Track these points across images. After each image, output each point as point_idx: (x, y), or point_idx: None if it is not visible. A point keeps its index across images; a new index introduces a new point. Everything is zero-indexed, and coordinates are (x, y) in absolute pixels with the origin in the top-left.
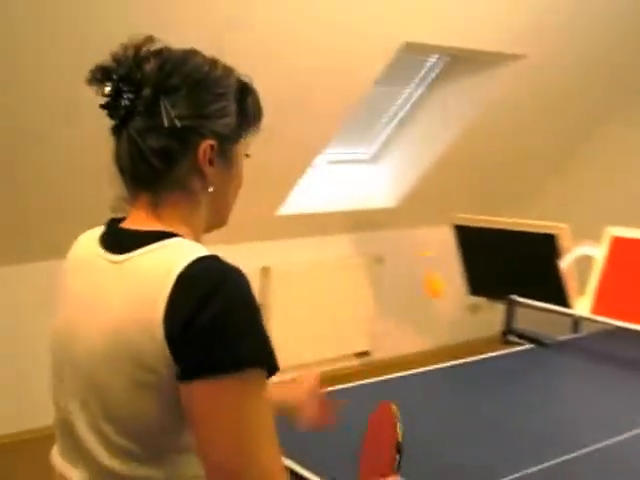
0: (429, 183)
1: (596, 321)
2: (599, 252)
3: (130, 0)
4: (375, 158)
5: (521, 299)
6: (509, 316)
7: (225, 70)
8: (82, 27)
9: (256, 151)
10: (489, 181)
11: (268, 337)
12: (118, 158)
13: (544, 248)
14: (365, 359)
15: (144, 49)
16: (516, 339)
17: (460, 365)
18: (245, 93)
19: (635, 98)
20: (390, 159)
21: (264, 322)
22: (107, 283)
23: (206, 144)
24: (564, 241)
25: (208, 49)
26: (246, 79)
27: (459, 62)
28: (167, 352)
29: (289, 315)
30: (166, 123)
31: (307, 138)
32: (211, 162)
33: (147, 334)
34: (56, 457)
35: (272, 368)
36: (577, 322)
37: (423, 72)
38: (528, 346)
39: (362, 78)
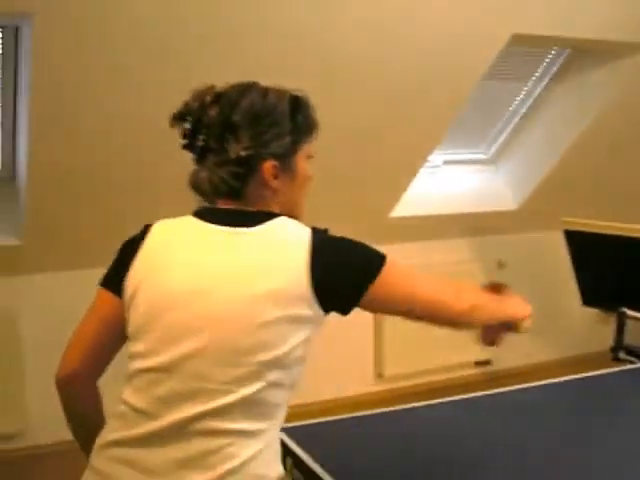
0: (553, 184)
1: None
2: None
3: None
4: (495, 158)
5: (633, 313)
6: (619, 331)
7: (276, 97)
8: None
9: (367, 153)
10: (618, 183)
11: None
12: (196, 183)
13: None
14: (485, 368)
15: (207, 97)
16: (627, 356)
17: (563, 383)
18: (297, 110)
19: None
20: (511, 159)
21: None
22: (239, 248)
23: (268, 165)
24: None
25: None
26: (298, 94)
27: (581, 55)
28: (310, 295)
29: (405, 321)
30: (232, 155)
31: (417, 138)
32: (276, 177)
33: (295, 282)
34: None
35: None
36: None
37: (543, 66)
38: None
39: (470, 73)
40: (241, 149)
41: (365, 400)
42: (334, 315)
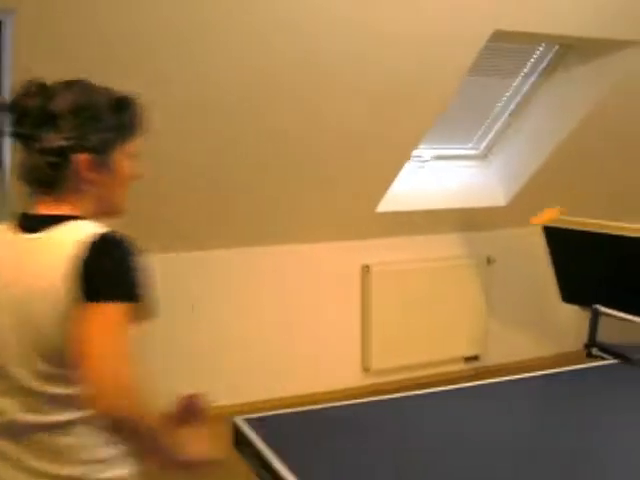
0: (542, 180)
1: None
2: None
3: None
4: (485, 154)
5: (605, 309)
6: (592, 328)
7: (102, 94)
8: None
9: (352, 149)
10: (606, 179)
11: (141, 284)
12: (21, 172)
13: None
14: (474, 364)
15: (32, 88)
16: (600, 353)
17: (537, 377)
18: (122, 108)
19: None
20: (500, 155)
21: (141, 274)
22: (27, 252)
23: (84, 157)
24: None
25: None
26: (126, 95)
27: (570, 51)
28: (75, 291)
29: (392, 315)
30: (51, 145)
31: (403, 133)
32: (92, 170)
33: (60, 280)
34: None
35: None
36: None
37: (531, 63)
38: (612, 361)
39: (454, 70)
40: (60, 139)
41: (352, 394)
42: (322, 310)
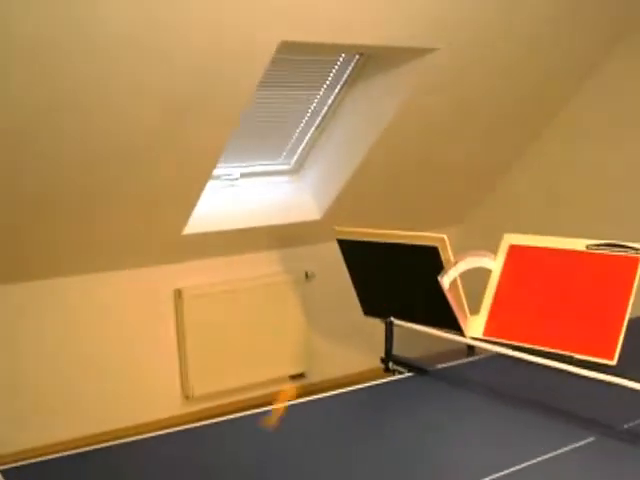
0: (353, 191)
1: (471, 345)
2: (495, 264)
3: None
4: (297, 168)
5: (399, 321)
6: (388, 341)
7: None
8: None
9: (144, 171)
10: (413, 188)
11: None
12: None
13: (426, 262)
14: (301, 381)
15: None
16: (396, 367)
17: (336, 396)
18: None
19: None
20: (312, 168)
21: None
22: None
23: None
24: (446, 253)
25: None
26: None
27: (370, 60)
28: None
29: (210, 338)
30: None
31: (197, 152)
32: None
33: None
34: None
35: None
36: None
37: (333, 74)
38: (408, 374)
39: (243, 83)
40: None
41: (173, 424)
42: (136, 339)
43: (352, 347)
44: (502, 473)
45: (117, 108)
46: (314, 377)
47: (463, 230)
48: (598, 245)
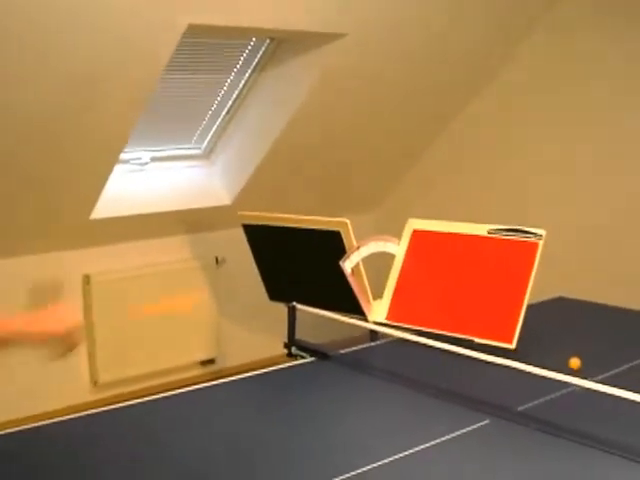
0: (263, 176)
1: (374, 330)
2: (399, 249)
3: None
4: (208, 153)
5: (300, 306)
6: (290, 326)
7: None
8: None
9: (52, 153)
10: (320, 173)
11: None
12: None
13: (329, 247)
14: (211, 367)
15: None
16: (298, 352)
17: (236, 381)
18: None
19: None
20: (223, 153)
21: None
22: None
23: None
24: (347, 238)
25: None
26: None
27: (281, 45)
28: None
29: (118, 324)
30: None
31: (104, 135)
32: None
33: None
34: None
35: None
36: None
37: (244, 57)
38: (310, 359)
39: (149, 67)
40: None
41: (82, 409)
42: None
43: (262, 332)
44: (400, 455)
45: (17, 79)
46: (225, 362)
47: (376, 216)
48: (499, 230)
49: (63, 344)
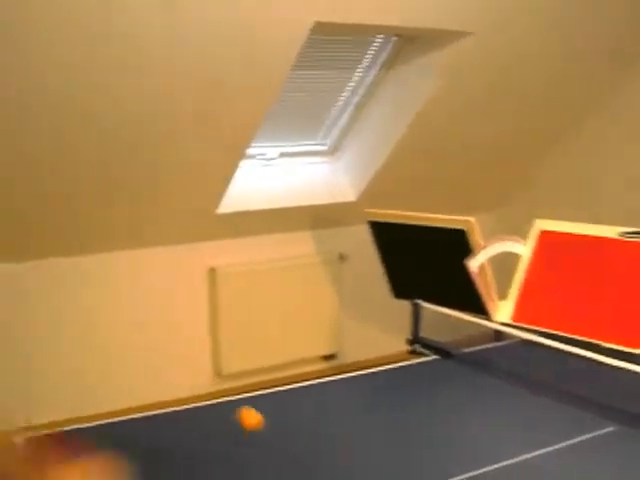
0: (389, 173)
1: (498, 330)
2: (525, 249)
3: None
4: (334, 150)
5: (426, 304)
6: (415, 323)
7: None
8: None
9: (179, 150)
10: (447, 171)
11: None
12: None
13: (454, 246)
14: (332, 362)
15: None
16: (422, 349)
17: (361, 377)
18: None
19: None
20: (348, 150)
21: None
22: None
23: None
24: (474, 237)
25: None
26: None
27: (409, 42)
28: None
29: (242, 317)
30: None
31: (230, 131)
32: None
33: None
34: None
35: None
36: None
37: (371, 54)
38: (433, 357)
39: (277, 64)
40: None
41: (204, 399)
42: (168, 317)
43: (383, 329)
44: (520, 458)
45: (151, 86)
46: (346, 358)
47: (498, 216)
48: (630, 233)
49: None
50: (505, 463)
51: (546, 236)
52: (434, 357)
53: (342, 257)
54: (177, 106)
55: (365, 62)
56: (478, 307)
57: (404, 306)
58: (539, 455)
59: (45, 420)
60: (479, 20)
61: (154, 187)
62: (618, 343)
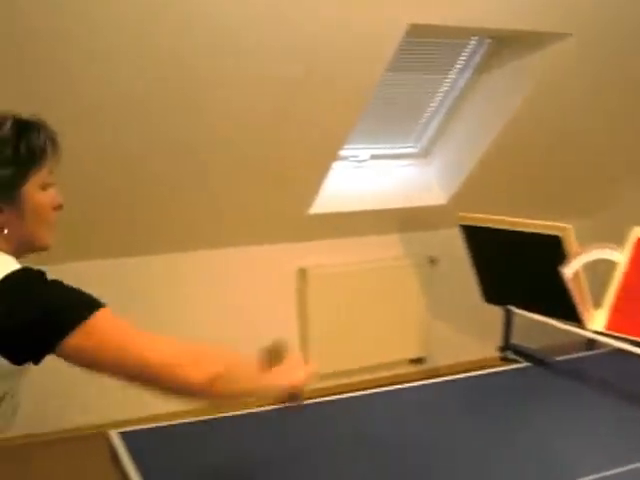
0: (481, 177)
1: (592, 338)
2: (622, 257)
3: None
4: (425, 152)
5: (518, 310)
6: (506, 330)
7: None
8: None
9: (269, 151)
10: (541, 175)
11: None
12: None
13: (548, 252)
14: (420, 366)
15: None
16: (514, 356)
17: (451, 382)
18: (21, 137)
19: None
20: (440, 152)
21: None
22: None
23: None
24: (569, 244)
25: None
26: (28, 118)
27: (503, 44)
28: None
29: (331, 318)
30: None
31: (323, 133)
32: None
33: None
34: None
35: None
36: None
37: (465, 57)
38: (525, 364)
39: (370, 66)
40: None
41: None
42: (257, 316)
43: (472, 334)
44: (612, 472)
45: (239, 89)
46: (434, 362)
47: (593, 223)
48: None
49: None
50: (590, 477)
51: None
52: (525, 364)
53: (432, 260)
54: (282, 112)
55: (458, 65)
56: (571, 314)
57: (493, 311)
58: (629, 470)
59: (130, 417)
60: (578, 21)
61: (246, 187)
62: None
